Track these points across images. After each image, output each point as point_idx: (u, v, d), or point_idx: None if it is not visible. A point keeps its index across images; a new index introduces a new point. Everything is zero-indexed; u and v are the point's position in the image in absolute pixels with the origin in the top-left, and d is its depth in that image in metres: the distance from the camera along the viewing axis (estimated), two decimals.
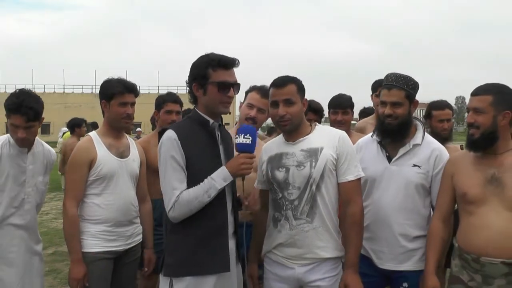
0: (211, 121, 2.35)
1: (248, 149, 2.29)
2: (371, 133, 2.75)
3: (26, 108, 2.65)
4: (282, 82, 2.41)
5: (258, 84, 3.08)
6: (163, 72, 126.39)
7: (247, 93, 3.10)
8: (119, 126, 2.89)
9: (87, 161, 2.75)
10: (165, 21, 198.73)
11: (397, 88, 2.55)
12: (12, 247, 2.81)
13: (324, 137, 2.44)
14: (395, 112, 2.54)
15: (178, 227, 2.28)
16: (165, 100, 3.65)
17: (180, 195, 2.21)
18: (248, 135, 2.28)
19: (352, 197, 2.41)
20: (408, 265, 2.58)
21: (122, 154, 2.90)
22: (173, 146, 2.22)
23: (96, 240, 2.78)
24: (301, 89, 2.44)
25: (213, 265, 2.27)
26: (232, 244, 2.36)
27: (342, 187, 2.42)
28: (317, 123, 2.58)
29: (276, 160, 2.43)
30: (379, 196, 2.63)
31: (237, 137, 2.30)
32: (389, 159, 2.63)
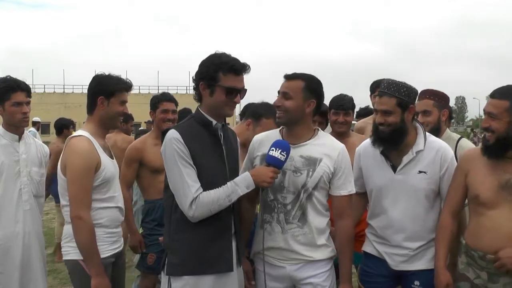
0: (214, 122, 2.34)
1: (279, 165, 2.29)
2: (371, 140, 2.66)
3: (25, 84, 2.90)
4: (290, 75, 2.42)
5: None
6: (163, 72, 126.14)
7: None
8: (113, 125, 2.77)
9: (94, 165, 2.56)
10: (165, 21, 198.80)
11: (387, 95, 2.47)
12: (10, 242, 2.80)
13: (325, 148, 2.43)
14: (386, 121, 2.48)
15: (183, 227, 2.27)
16: (160, 100, 3.69)
17: (199, 195, 2.20)
18: (284, 152, 2.28)
19: (344, 211, 2.45)
20: (419, 264, 2.56)
21: (110, 154, 2.79)
22: (178, 144, 2.22)
23: (104, 245, 2.64)
24: (309, 88, 2.40)
25: (217, 265, 2.28)
26: (234, 244, 2.37)
27: (335, 200, 2.46)
28: (320, 129, 2.56)
29: None
30: (388, 206, 2.58)
31: (272, 150, 2.29)
32: (394, 168, 2.57)
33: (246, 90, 2.37)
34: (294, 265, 2.42)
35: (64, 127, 6.50)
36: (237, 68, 2.27)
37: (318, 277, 2.42)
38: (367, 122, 4.47)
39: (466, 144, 3.07)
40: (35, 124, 11.10)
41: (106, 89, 2.61)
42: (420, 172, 2.52)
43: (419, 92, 3.05)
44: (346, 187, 2.44)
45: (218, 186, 2.26)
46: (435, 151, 2.54)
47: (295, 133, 2.44)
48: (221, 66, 2.26)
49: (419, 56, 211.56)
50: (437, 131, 2.98)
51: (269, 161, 2.29)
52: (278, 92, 2.45)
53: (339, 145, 2.48)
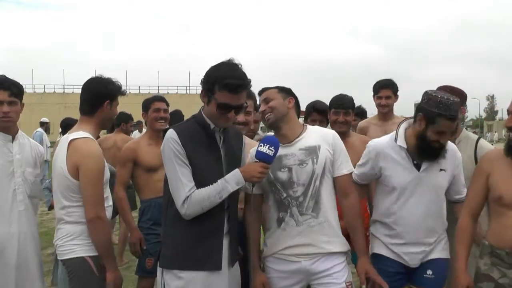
0: (212, 125, 2.36)
1: (267, 159, 2.33)
2: (393, 138, 2.64)
3: (8, 83, 2.80)
4: (261, 90, 2.64)
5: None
6: (163, 72, 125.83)
7: None
8: (109, 126, 2.89)
9: (104, 167, 2.65)
10: (165, 21, 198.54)
11: (456, 120, 2.51)
12: (5, 243, 2.78)
13: (318, 136, 2.53)
14: (448, 140, 2.55)
15: (176, 223, 2.33)
16: (152, 100, 3.84)
17: (192, 193, 2.26)
18: (272, 147, 2.33)
19: (349, 189, 2.54)
20: (432, 255, 2.64)
21: None
22: (174, 144, 2.27)
23: None
24: (282, 90, 2.60)
25: (206, 263, 2.31)
26: (226, 243, 2.39)
27: (338, 181, 2.53)
28: (307, 125, 2.66)
29: (276, 162, 2.44)
30: (410, 204, 2.61)
31: (261, 145, 2.34)
32: (417, 166, 2.59)
33: (244, 106, 2.38)
34: (309, 260, 2.46)
35: (70, 127, 6.46)
36: (232, 87, 2.24)
37: (334, 268, 2.46)
38: (370, 122, 4.47)
39: (486, 145, 3.08)
40: (42, 124, 11.11)
41: (112, 93, 2.72)
42: (441, 170, 2.59)
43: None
44: (346, 166, 2.54)
45: None
46: (452, 152, 2.63)
47: (286, 132, 2.53)
48: (218, 80, 2.26)
49: (419, 56, 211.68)
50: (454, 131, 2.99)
51: (258, 156, 2.35)
52: (259, 106, 2.60)
53: (329, 131, 2.64)
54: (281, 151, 2.43)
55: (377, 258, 2.71)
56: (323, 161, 2.46)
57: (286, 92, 2.60)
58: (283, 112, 2.53)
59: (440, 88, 3.04)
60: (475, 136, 3.14)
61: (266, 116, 2.53)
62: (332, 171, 2.51)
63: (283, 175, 2.48)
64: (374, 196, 2.88)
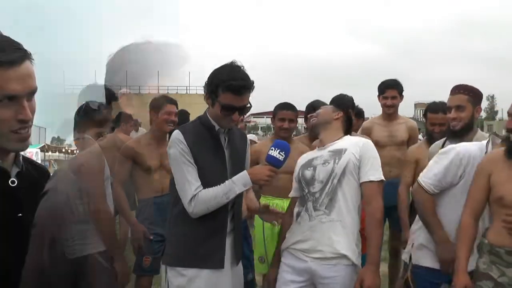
0: (217, 127, 2.39)
1: (277, 164, 2.36)
2: (483, 151, 2.56)
3: None
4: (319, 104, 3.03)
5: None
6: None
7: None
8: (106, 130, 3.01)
9: (104, 164, 2.82)
10: (165, 20, 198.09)
11: None
12: None
13: (349, 142, 2.63)
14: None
15: (180, 222, 2.38)
16: (164, 102, 3.80)
17: (199, 192, 2.29)
18: (283, 152, 2.36)
19: (373, 196, 2.50)
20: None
21: None
22: (180, 144, 2.31)
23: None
24: (336, 104, 2.82)
25: (208, 261, 2.34)
26: (229, 242, 2.42)
27: (364, 187, 2.53)
28: (348, 135, 2.75)
29: (307, 163, 2.65)
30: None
31: (272, 149, 2.37)
32: None
33: (247, 107, 2.38)
34: (316, 261, 2.49)
35: None
36: (235, 88, 2.27)
37: (338, 279, 2.44)
38: (374, 122, 4.44)
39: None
40: None
41: (108, 98, 2.89)
42: None
43: (452, 87, 3.03)
44: (373, 174, 2.51)
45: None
46: None
47: (323, 138, 2.70)
48: (221, 83, 2.28)
49: (419, 56, 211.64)
50: (469, 129, 2.97)
51: (268, 160, 2.37)
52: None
53: (363, 139, 2.72)
54: (314, 154, 2.68)
55: (428, 271, 2.65)
56: (345, 163, 2.50)
57: (338, 106, 2.79)
58: (326, 119, 2.72)
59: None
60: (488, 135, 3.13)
61: (311, 120, 2.82)
62: (360, 177, 2.52)
63: (308, 173, 2.61)
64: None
